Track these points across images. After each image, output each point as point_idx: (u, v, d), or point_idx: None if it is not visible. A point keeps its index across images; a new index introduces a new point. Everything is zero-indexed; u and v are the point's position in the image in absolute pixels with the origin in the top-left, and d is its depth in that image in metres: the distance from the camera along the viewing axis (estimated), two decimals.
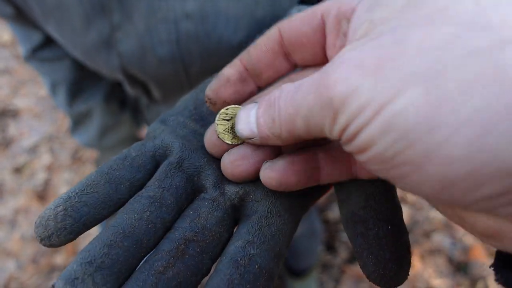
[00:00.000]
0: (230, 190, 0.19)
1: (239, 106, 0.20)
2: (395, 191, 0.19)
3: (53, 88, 0.61)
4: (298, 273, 1.15)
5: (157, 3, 0.36)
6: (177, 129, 0.21)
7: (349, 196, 0.18)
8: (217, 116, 0.20)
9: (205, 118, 0.23)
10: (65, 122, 1.98)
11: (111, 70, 0.44)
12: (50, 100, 2.14)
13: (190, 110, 0.23)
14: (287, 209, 0.19)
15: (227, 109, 0.19)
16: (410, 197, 1.41)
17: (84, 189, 0.18)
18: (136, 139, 0.74)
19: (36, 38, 0.54)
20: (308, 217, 0.94)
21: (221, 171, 0.20)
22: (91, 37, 0.40)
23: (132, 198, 0.19)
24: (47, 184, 1.67)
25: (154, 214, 0.17)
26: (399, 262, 0.16)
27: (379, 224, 0.17)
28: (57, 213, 0.17)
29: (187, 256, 0.16)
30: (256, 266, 0.16)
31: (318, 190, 0.22)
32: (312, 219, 0.99)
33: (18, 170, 1.74)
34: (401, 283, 0.16)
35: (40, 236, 0.17)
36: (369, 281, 0.17)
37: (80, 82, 0.60)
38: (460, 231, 1.29)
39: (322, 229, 1.13)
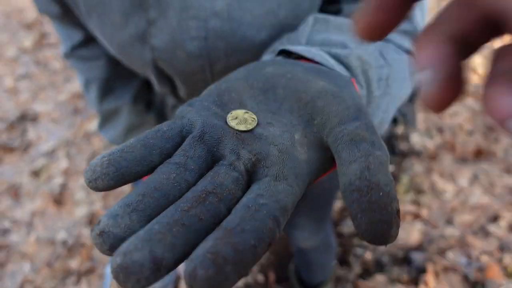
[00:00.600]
0: (245, 156, 0.23)
1: None
2: (388, 166, 0.22)
3: (87, 85, 0.66)
4: (312, 287, 1.14)
5: (189, 1, 0.39)
6: (201, 111, 0.25)
7: (347, 168, 0.21)
8: None
9: (226, 104, 0.26)
10: (82, 127, 2.02)
11: (143, 65, 0.47)
12: (68, 105, 2.19)
13: (213, 97, 0.27)
14: (295, 174, 0.22)
15: None
16: (425, 213, 1.40)
17: (124, 149, 0.22)
18: None
19: (76, 37, 0.59)
20: (324, 230, 0.94)
21: (236, 142, 0.23)
22: (128, 32, 0.43)
23: (162, 164, 0.22)
24: (63, 188, 1.69)
25: (179, 176, 0.21)
26: (389, 223, 0.19)
27: (371, 191, 0.19)
28: (103, 162, 0.21)
29: (207, 202, 0.19)
30: (265, 212, 0.19)
31: (324, 161, 0.24)
32: (327, 233, 0.98)
33: (35, 174, 1.77)
34: (390, 241, 0.19)
35: (88, 179, 0.21)
36: (362, 239, 0.20)
37: (112, 81, 0.65)
38: (476, 250, 1.28)
39: (336, 243, 1.13)
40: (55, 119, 2.10)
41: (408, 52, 0.41)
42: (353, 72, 0.31)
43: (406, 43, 0.40)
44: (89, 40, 0.59)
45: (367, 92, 0.32)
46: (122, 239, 0.18)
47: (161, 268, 0.16)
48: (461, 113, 1.79)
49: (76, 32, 0.58)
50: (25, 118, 2.12)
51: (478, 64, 2.01)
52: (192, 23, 0.40)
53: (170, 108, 0.67)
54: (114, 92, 0.66)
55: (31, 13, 3.39)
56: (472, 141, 1.65)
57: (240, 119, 0.24)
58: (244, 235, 0.17)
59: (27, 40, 2.84)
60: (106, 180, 0.21)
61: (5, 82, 2.42)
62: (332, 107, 0.24)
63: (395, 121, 0.75)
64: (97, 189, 0.21)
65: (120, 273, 0.16)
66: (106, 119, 0.70)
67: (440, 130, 1.72)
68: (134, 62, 0.48)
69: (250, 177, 0.23)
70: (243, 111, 0.24)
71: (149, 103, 0.72)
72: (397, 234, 0.20)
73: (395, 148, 0.76)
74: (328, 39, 0.33)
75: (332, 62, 0.30)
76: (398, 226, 0.20)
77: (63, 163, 1.81)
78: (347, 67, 0.31)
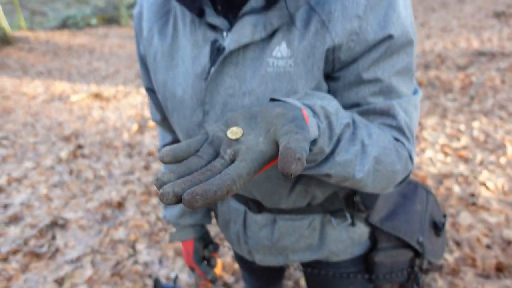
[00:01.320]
0: (229, 152, 0.40)
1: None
2: (304, 143, 0.38)
3: None
4: None
5: (228, 99, 0.59)
6: (215, 128, 0.44)
7: (280, 144, 0.39)
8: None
9: (229, 125, 0.44)
10: (109, 235, 2.09)
11: None
12: (96, 213, 2.30)
13: (224, 122, 0.45)
14: (252, 158, 0.38)
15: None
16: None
17: (181, 146, 0.41)
18: (206, 230, 0.95)
19: (167, 138, 0.85)
20: None
21: (227, 145, 0.41)
22: (194, 120, 0.64)
23: (193, 155, 0.41)
24: None
25: (198, 162, 0.39)
26: (291, 163, 0.35)
27: (287, 150, 0.36)
28: (167, 152, 0.41)
29: (206, 174, 0.37)
30: (226, 176, 0.35)
31: (275, 153, 0.40)
32: None
33: (59, 283, 1.79)
34: (292, 171, 0.35)
35: (160, 157, 0.41)
36: (280, 170, 0.36)
37: None
38: None
39: None
40: (83, 226, 2.20)
41: (395, 139, 0.57)
42: (316, 113, 0.47)
43: (390, 134, 0.57)
44: (175, 141, 0.85)
45: (329, 129, 0.48)
46: (164, 183, 0.36)
47: (177, 197, 0.34)
48: (476, 226, 1.84)
49: (168, 135, 0.85)
50: (55, 225, 2.22)
51: (487, 178, 2.13)
52: (229, 113, 0.59)
53: (219, 201, 0.86)
54: None
55: (69, 126, 3.76)
56: (492, 255, 1.67)
57: (233, 132, 0.43)
58: (211, 185, 0.33)
59: (63, 152, 3.10)
60: (169, 158, 0.40)
61: (40, 189, 2.58)
62: (280, 120, 0.41)
63: (417, 254, 0.82)
64: (164, 161, 0.40)
65: (160, 196, 0.34)
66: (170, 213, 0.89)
67: (458, 243, 1.75)
68: None
69: (233, 161, 0.40)
70: (236, 128, 0.44)
71: None
72: (299, 170, 0.34)
73: (419, 280, 0.81)
74: (309, 99, 0.51)
75: (298, 103, 0.46)
76: (301, 165, 0.34)
77: (87, 272, 1.84)
78: (312, 110, 0.47)
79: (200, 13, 0.56)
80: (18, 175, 2.80)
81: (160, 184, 0.36)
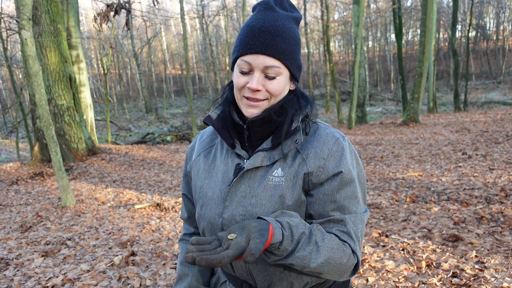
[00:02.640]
0: (226, 244, 0.73)
1: None
2: (259, 243, 0.71)
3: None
4: None
5: (241, 199, 0.89)
6: (221, 234, 0.77)
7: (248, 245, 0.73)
8: None
9: (230, 232, 0.77)
10: None
11: (216, 229, 0.95)
12: None
13: (226, 231, 0.78)
14: (236, 247, 0.71)
15: None
16: None
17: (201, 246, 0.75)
18: None
19: (189, 231, 1.15)
20: None
21: (226, 241, 0.74)
22: (216, 212, 0.92)
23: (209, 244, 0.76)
24: None
25: (209, 247, 0.74)
26: (249, 256, 0.68)
27: (248, 249, 0.69)
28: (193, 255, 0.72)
29: (213, 252, 0.72)
30: (220, 255, 0.68)
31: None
32: None
33: None
34: (247, 260, 0.68)
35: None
36: (245, 260, 0.69)
37: None
38: None
39: None
40: None
41: (343, 240, 0.84)
42: (283, 226, 0.76)
43: (342, 237, 0.84)
44: (194, 234, 1.14)
45: (291, 235, 0.76)
46: (189, 251, 0.70)
47: (193, 258, 0.68)
48: None
49: (190, 228, 1.15)
50: None
51: None
52: (240, 210, 0.90)
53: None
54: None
55: (128, 233, 4.00)
56: None
57: (231, 236, 0.73)
58: (212, 257, 0.67)
59: (117, 258, 3.26)
60: (195, 241, 0.74)
61: None
62: (254, 229, 0.73)
63: None
64: (192, 243, 0.74)
65: (185, 257, 0.69)
66: (180, 278, 1.10)
67: None
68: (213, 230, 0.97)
69: (227, 249, 0.70)
70: (233, 234, 0.74)
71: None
72: (252, 260, 0.66)
73: None
74: (281, 217, 0.81)
75: (273, 220, 0.77)
76: (253, 258, 0.66)
77: None
78: (280, 223, 0.77)
79: (232, 146, 0.94)
80: (73, 276, 2.96)
81: (186, 251, 0.70)
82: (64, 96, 8.39)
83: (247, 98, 0.87)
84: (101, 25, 8.99)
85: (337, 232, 0.85)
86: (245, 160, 0.92)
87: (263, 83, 0.85)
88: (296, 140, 0.88)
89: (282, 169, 0.88)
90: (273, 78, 0.85)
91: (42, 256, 3.49)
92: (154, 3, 9.18)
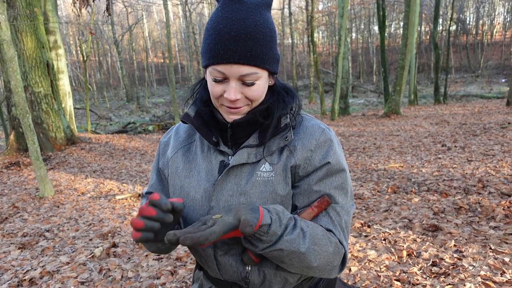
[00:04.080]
0: (211, 222, 0.72)
1: None
2: (249, 220, 0.69)
3: None
4: None
5: (229, 198, 0.84)
6: (208, 214, 0.83)
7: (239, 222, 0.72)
8: None
9: (216, 213, 0.76)
10: None
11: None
12: None
13: (213, 213, 0.79)
14: (222, 225, 0.70)
15: None
16: None
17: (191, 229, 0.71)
18: None
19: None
20: None
21: (212, 220, 0.72)
22: (200, 213, 0.87)
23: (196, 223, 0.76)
24: None
25: (196, 226, 0.73)
26: (243, 230, 0.68)
27: (242, 224, 0.68)
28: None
29: (197, 230, 0.69)
30: (205, 232, 0.66)
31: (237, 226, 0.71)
32: None
33: None
34: (246, 232, 0.67)
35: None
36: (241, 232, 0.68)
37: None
38: None
39: None
40: None
41: (328, 229, 0.82)
42: (269, 211, 0.75)
43: (326, 226, 0.82)
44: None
45: (279, 219, 0.74)
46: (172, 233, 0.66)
47: (176, 236, 0.65)
48: None
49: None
50: None
51: None
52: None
53: None
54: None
55: (108, 224, 3.93)
56: None
57: (216, 216, 0.72)
58: (196, 235, 0.64)
59: (98, 249, 3.20)
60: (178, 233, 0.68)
61: (68, 286, 2.62)
62: (243, 208, 0.72)
63: None
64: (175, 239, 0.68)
65: (167, 236, 0.66)
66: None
67: None
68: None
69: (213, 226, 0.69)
70: (218, 214, 0.73)
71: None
72: (251, 232, 0.66)
73: None
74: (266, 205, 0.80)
75: (263, 207, 0.75)
76: (252, 229, 0.66)
77: None
78: (267, 209, 0.75)
79: (215, 144, 0.88)
80: (52, 268, 2.89)
81: (169, 233, 0.66)
82: (41, 83, 8.12)
83: (227, 106, 0.82)
84: (80, 9, 8.70)
85: (321, 222, 0.82)
86: (230, 157, 0.87)
87: (241, 91, 0.79)
88: (286, 137, 0.84)
89: (270, 164, 0.84)
90: (252, 84, 0.79)
91: (19, 248, 3.40)
92: None
